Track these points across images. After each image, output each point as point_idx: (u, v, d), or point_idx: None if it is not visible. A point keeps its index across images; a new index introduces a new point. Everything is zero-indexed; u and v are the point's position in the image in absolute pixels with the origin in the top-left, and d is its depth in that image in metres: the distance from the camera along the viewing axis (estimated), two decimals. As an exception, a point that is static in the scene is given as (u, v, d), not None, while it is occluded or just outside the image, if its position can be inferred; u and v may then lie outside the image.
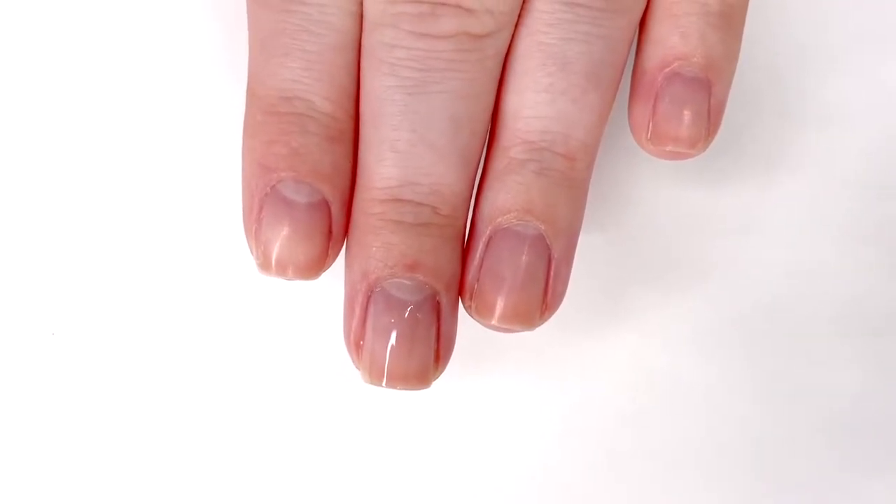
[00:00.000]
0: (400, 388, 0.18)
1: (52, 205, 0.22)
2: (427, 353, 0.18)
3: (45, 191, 0.22)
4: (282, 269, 0.18)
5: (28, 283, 0.22)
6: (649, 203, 0.23)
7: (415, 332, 0.18)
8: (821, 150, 0.23)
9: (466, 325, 0.19)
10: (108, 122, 0.22)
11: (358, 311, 0.18)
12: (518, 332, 0.19)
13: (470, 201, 0.19)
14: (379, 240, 0.18)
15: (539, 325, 0.19)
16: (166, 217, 0.22)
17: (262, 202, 0.18)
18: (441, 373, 0.19)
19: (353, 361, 0.19)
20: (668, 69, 0.19)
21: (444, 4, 0.18)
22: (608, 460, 0.22)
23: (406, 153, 0.18)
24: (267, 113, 0.18)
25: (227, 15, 0.22)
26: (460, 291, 0.19)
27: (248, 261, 0.20)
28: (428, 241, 0.18)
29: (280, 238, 0.18)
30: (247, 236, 0.19)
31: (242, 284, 0.22)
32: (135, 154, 0.22)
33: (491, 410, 0.22)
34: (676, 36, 0.19)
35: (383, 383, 0.18)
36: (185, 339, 0.22)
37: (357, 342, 0.18)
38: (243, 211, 0.19)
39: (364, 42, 0.19)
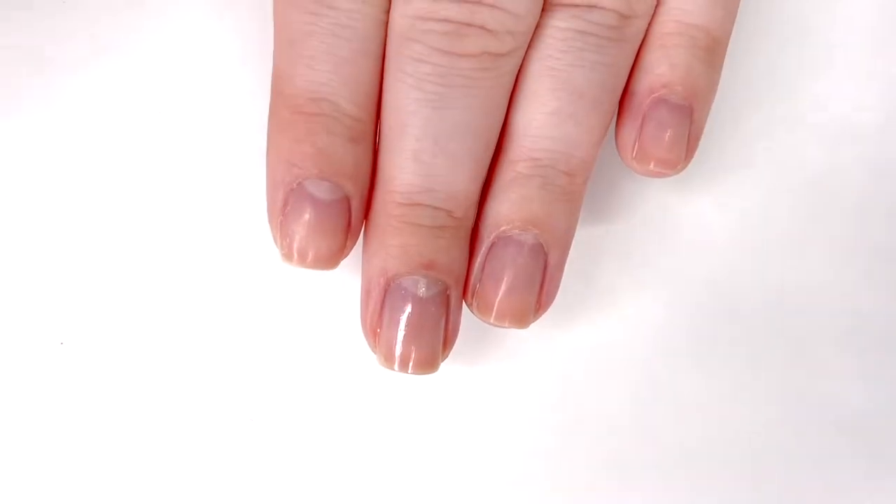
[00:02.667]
0: (411, 373, 0.20)
1: (62, 211, 0.22)
2: (437, 342, 0.20)
3: (55, 197, 0.22)
4: (303, 260, 0.20)
5: (37, 293, 0.22)
6: (652, 214, 0.24)
7: (427, 323, 0.20)
8: (827, 162, 0.23)
9: (468, 321, 0.21)
10: (122, 132, 0.22)
11: (376, 302, 0.20)
12: (513, 328, 0.21)
13: (478, 202, 0.21)
14: (398, 240, 0.20)
15: (532, 323, 0.21)
16: (176, 225, 0.23)
17: (288, 197, 0.19)
18: (446, 358, 0.20)
19: (370, 346, 0.20)
20: (655, 95, 0.21)
21: (469, 25, 0.19)
22: (606, 463, 0.23)
23: (427, 163, 0.20)
24: (294, 112, 0.19)
25: (242, 12, 0.22)
26: (464, 290, 0.21)
27: (259, 269, 0.20)
28: (443, 241, 0.20)
29: (303, 231, 0.19)
30: (271, 228, 0.20)
31: (252, 291, 0.23)
32: (142, 161, 0.22)
33: (487, 407, 0.23)
34: (666, 65, 0.21)
35: (395, 367, 0.20)
36: (195, 344, 0.23)
37: (374, 330, 0.20)
38: (268, 204, 0.20)
39: (390, 52, 0.20)
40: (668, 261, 0.23)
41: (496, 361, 0.23)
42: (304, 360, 0.23)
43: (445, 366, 0.22)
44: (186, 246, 0.23)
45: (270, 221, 0.20)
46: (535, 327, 0.22)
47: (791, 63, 0.24)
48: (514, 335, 0.23)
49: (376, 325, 0.20)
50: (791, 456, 0.23)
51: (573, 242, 0.21)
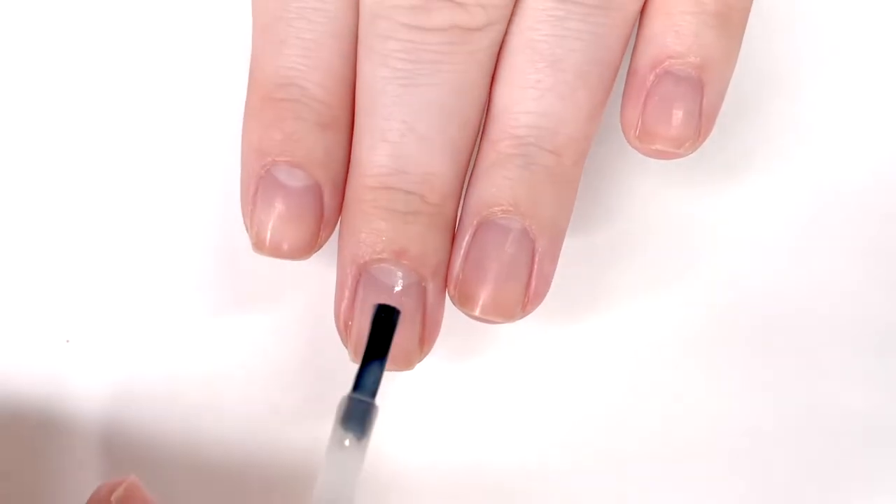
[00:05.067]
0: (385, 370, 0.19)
1: (66, 210, 0.23)
2: (412, 337, 0.19)
3: (55, 196, 0.23)
4: (274, 249, 0.19)
5: (42, 291, 0.23)
6: (654, 215, 0.23)
7: (401, 317, 0.19)
8: (832, 163, 0.23)
9: (454, 318, 0.20)
10: (123, 131, 0.23)
11: (347, 293, 0.19)
12: (499, 323, 0.19)
13: (461, 191, 0.20)
14: (368, 226, 0.19)
15: (521, 318, 0.19)
16: (178, 223, 0.23)
17: (258, 185, 0.19)
18: (425, 356, 0.19)
19: (342, 341, 0.19)
20: (660, 67, 0.19)
21: None
22: (607, 464, 0.22)
23: (396, 143, 0.19)
24: (264, 98, 0.19)
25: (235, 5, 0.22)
26: (446, 281, 0.19)
27: (259, 269, 0.20)
28: (416, 228, 0.19)
29: (273, 219, 0.19)
30: (243, 216, 0.19)
31: (252, 291, 0.23)
32: (144, 158, 0.23)
33: (485, 408, 0.23)
34: (671, 34, 0.19)
35: None
36: (195, 344, 0.23)
37: (346, 323, 0.19)
38: (241, 192, 0.19)
39: (360, 32, 0.19)
40: (669, 262, 0.23)
41: (496, 362, 0.22)
42: (305, 360, 0.23)
43: (455, 364, 0.22)
44: (188, 244, 0.23)
45: (242, 211, 0.19)
46: (536, 326, 0.21)
47: (795, 65, 0.23)
48: (515, 336, 0.22)
49: (348, 318, 0.19)
50: (792, 456, 0.22)
51: (578, 244, 0.20)
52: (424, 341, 0.19)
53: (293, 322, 0.23)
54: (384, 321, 0.17)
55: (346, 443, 0.16)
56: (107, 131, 0.23)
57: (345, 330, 0.19)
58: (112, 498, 0.18)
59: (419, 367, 0.20)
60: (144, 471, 0.22)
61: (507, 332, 0.22)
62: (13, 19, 0.23)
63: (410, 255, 0.19)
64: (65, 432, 0.22)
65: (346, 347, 0.19)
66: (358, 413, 0.17)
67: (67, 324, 0.23)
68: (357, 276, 0.19)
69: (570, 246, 0.20)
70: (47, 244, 0.23)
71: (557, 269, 0.20)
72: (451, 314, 0.20)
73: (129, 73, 0.23)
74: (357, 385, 0.17)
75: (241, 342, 0.23)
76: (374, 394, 0.17)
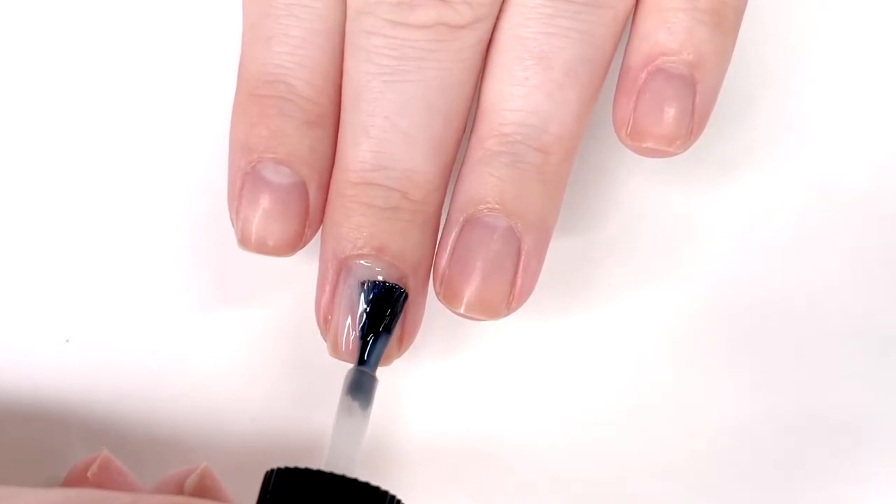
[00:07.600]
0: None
1: (62, 210, 0.23)
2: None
3: (54, 197, 0.23)
4: (259, 246, 0.19)
5: (42, 291, 0.23)
6: (654, 214, 0.23)
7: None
8: (828, 162, 0.23)
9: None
10: (123, 130, 0.23)
11: (328, 287, 0.19)
12: (485, 320, 0.19)
13: (445, 188, 0.20)
14: (350, 221, 0.19)
15: (505, 315, 0.19)
16: (175, 219, 0.23)
17: (243, 181, 0.19)
18: (404, 353, 0.19)
19: (321, 334, 0.19)
20: (652, 65, 0.19)
21: None
22: (605, 464, 0.22)
23: (379, 139, 0.19)
24: (251, 95, 0.19)
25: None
26: (433, 277, 0.19)
27: (260, 268, 0.20)
28: (396, 224, 0.19)
29: (258, 216, 0.19)
30: (230, 212, 0.20)
31: (254, 290, 0.23)
32: (144, 158, 0.23)
33: (473, 405, 0.22)
34: (663, 31, 0.19)
35: (347, 358, 0.19)
36: (193, 340, 0.23)
37: (325, 317, 0.19)
38: (227, 188, 0.20)
39: (346, 29, 0.19)
40: (669, 262, 0.23)
41: (486, 360, 0.22)
42: (294, 355, 0.22)
43: (451, 363, 0.22)
44: (184, 243, 0.23)
45: (229, 207, 0.20)
46: (528, 324, 0.21)
47: (794, 65, 0.23)
48: (506, 333, 0.22)
49: (328, 312, 0.19)
50: (792, 456, 0.22)
51: (569, 241, 0.20)
52: (403, 338, 0.19)
53: (284, 317, 0.22)
54: (389, 297, 0.19)
55: (353, 410, 0.18)
56: (103, 133, 0.23)
57: (324, 324, 0.19)
58: (88, 474, 0.18)
59: (413, 366, 0.21)
60: (143, 468, 0.22)
61: (498, 329, 0.22)
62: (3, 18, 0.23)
63: (390, 251, 0.19)
64: (65, 431, 0.22)
65: (325, 341, 0.19)
66: (364, 384, 0.18)
67: (67, 324, 0.23)
68: (337, 270, 0.19)
69: (561, 243, 0.20)
70: (47, 244, 0.23)
71: (549, 266, 0.20)
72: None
73: (121, 73, 0.23)
74: (363, 358, 0.19)
75: (235, 339, 0.23)
76: (376, 366, 0.19)
